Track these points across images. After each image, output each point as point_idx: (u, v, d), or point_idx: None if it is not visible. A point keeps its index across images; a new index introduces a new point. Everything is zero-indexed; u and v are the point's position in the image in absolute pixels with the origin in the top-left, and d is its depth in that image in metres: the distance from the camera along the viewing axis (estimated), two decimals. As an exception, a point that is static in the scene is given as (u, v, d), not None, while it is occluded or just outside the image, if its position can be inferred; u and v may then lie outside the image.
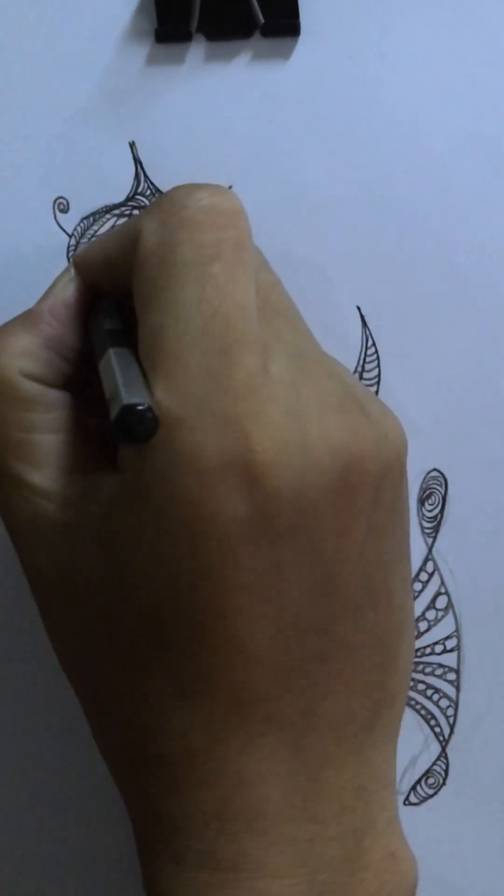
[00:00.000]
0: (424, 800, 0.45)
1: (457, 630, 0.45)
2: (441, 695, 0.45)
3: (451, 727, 0.45)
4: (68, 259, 0.44)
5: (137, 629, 0.33)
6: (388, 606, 0.35)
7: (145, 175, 0.44)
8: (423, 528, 0.45)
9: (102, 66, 0.43)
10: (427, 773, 0.45)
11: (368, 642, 0.35)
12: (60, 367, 0.37)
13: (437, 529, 0.45)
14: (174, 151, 0.44)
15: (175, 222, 0.34)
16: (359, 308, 0.44)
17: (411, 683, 0.45)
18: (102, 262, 0.38)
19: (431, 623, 0.45)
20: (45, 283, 0.43)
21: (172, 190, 0.36)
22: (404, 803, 0.45)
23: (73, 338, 0.38)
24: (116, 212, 0.44)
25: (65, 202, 0.44)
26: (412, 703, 0.45)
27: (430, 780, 0.45)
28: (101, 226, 0.44)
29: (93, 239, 0.42)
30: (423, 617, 0.45)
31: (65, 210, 0.44)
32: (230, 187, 0.44)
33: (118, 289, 0.37)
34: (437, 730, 0.45)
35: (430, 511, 0.45)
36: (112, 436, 0.33)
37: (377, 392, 0.44)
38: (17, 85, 0.43)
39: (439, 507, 0.45)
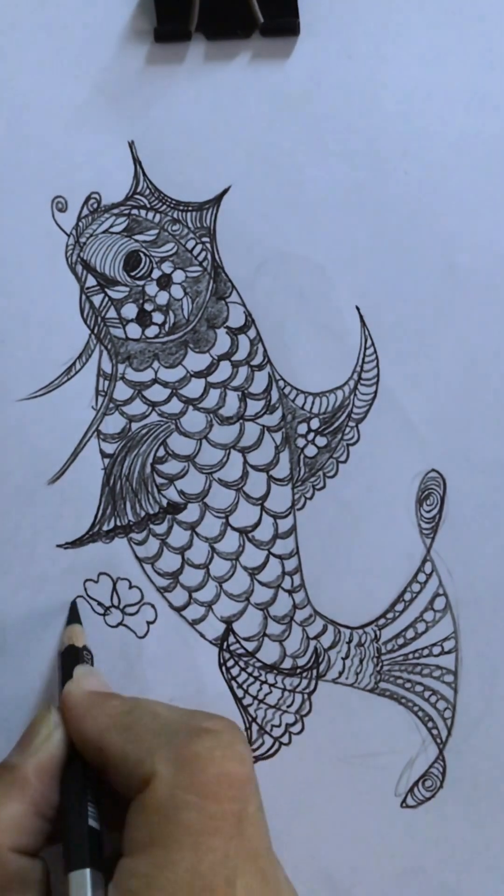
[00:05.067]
0: (422, 802, 0.45)
1: (455, 632, 0.45)
2: (439, 697, 0.45)
3: (449, 730, 0.45)
4: (67, 260, 0.44)
5: None
6: None
7: (144, 175, 0.44)
8: (421, 528, 0.44)
9: (102, 65, 0.43)
10: (424, 776, 0.45)
11: None
12: (44, 829, 0.39)
13: (435, 530, 0.44)
14: (173, 151, 0.44)
15: (188, 781, 0.36)
16: (358, 308, 0.44)
17: (409, 685, 0.45)
18: (96, 747, 0.39)
19: (429, 624, 0.45)
20: (43, 281, 0.44)
21: (196, 739, 0.37)
22: (402, 806, 0.45)
23: (55, 794, 0.39)
24: (115, 211, 0.44)
25: (63, 201, 0.44)
26: (410, 704, 0.45)
27: (428, 783, 0.45)
28: (100, 225, 0.44)
29: (88, 685, 0.41)
30: (420, 618, 0.45)
31: (63, 209, 0.44)
32: (229, 188, 0.44)
33: (98, 763, 0.39)
34: (435, 732, 0.45)
35: (428, 511, 0.44)
36: None
37: (375, 393, 0.44)
38: (17, 84, 0.43)
39: (437, 507, 0.44)
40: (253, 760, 0.39)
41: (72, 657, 0.42)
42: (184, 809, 0.36)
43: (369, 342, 0.44)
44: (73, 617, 0.44)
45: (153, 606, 0.45)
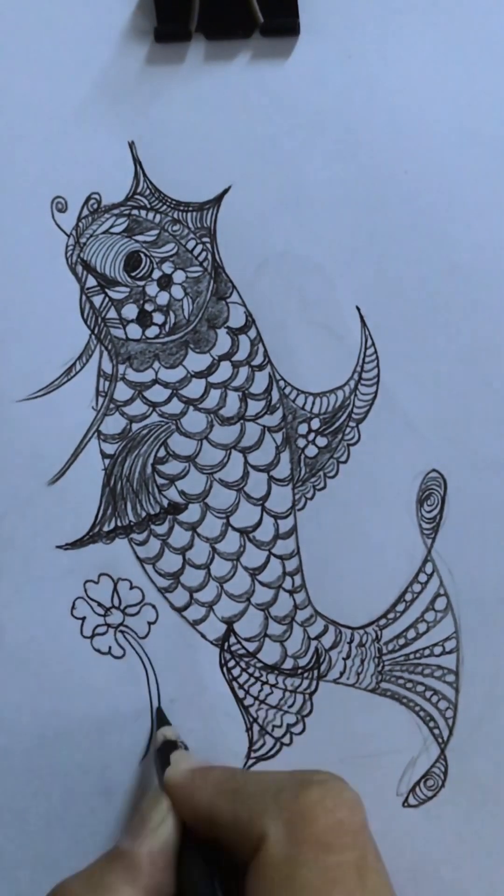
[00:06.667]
0: (423, 802, 0.45)
1: (456, 632, 0.45)
2: (440, 696, 0.45)
3: (450, 729, 0.45)
4: (67, 261, 0.44)
5: None
6: None
7: (144, 175, 0.44)
8: (422, 528, 0.44)
9: (102, 65, 0.43)
10: (426, 775, 0.45)
11: None
12: None
13: (436, 530, 0.44)
14: (174, 151, 0.44)
15: (301, 836, 0.36)
16: (358, 308, 0.44)
17: (410, 685, 0.45)
18: (207, 817, 0.39)
19: (430, 624, 0.45)
20: (43, 282, 0.44)
21: (303, 792, 0.37)
22: (403, 805, 0.45)
23: (168, 881, 0.39)
24: (115, 211, 0.44)
25: (63, 201, 0.44)
26: (411, 704, 0.45)
27: (430, 783, 0.45)
28: (100, 225, 0.44)
29: (188, 766, 0.41)
30: (421, 618, 0.45)
31: (63, 209, 0.44)
32: (229, 188, 0.44)
33: (211, 835, 0.39)
34: (436, 732, 0.45)
35: (429, 512, 0.44)
36: None
37: (376, 393, 0.44)
38: (17, 84, 0.43)
39: (438, 507, 0.44)
40: (364, 807, 0.38)
41: (167, 750, 0.42)
42: (300, 866, 0.35)
43: (370, 342, 0.44)
44: (162, 721, 0.44)
45: (154, 607, 0.45)
